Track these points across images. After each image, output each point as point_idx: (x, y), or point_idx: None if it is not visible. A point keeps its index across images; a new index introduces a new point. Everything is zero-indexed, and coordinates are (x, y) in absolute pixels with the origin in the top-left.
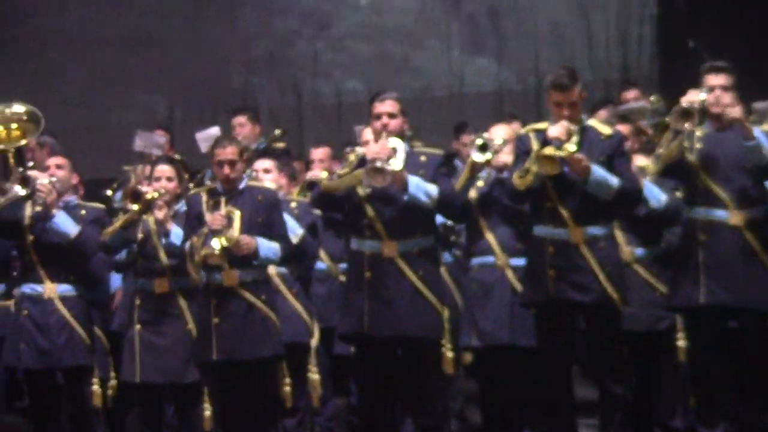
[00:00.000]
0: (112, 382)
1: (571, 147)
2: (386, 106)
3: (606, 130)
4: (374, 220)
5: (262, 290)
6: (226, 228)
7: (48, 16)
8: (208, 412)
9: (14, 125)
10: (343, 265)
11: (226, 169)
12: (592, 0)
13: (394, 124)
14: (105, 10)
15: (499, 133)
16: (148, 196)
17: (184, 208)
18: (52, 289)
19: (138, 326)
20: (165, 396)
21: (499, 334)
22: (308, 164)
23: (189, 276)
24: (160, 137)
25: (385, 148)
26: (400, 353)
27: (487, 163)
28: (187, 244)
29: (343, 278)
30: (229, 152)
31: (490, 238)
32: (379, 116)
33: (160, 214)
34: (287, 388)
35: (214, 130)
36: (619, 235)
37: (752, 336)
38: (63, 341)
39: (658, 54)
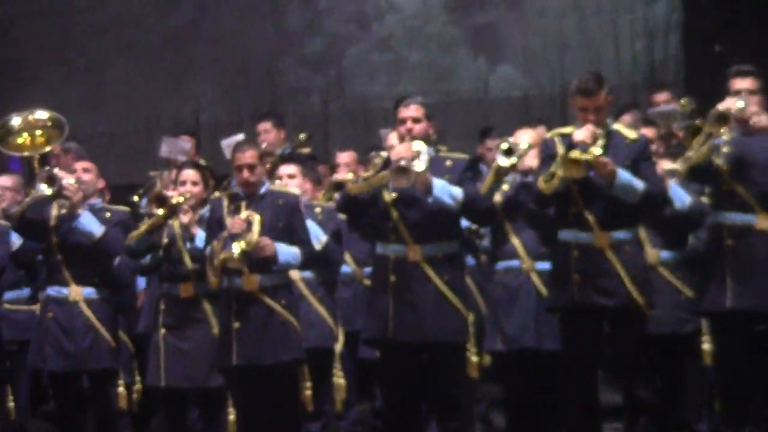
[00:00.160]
0: (137, 386)
1: (596, 150)
2: (411, 110)
3: (631, 134)
4: (399, 224)
5: (282, 295)
6: (246, 232)
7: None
8: (232, 417)
9: (38, 132)
10: (368, 269)
11: (245, 173)
12: (618, 4)
13: (418, 128)
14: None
15: (525, 137)
16: (174, 201)
17: None
18: (77, 292)
19: (163, 331)
20: (190, 400)
21: (524, 338)
22: (333, 168)
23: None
24: (186, 143)
25: (410, 150)
26: (425, 358)
27: (512, 167)
28: (208, 248)
29: (367, 282)
30: (248, 156)
31: (515, 242)
32: (403, 121)
33: (185, 218)
34: (308, 392)
35: (239, 137)
36: (645, 238)
37: None
38: (88, 344)
39: (685, 58)
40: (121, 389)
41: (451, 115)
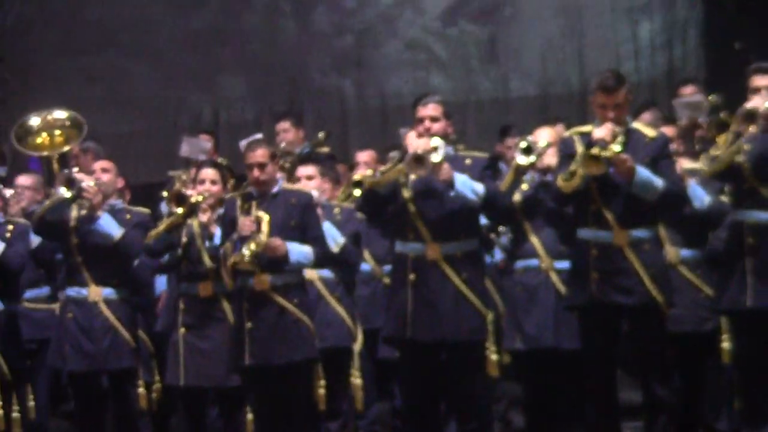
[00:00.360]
0: (157, 386)
1: (616, 147)
2: (429, 109)
3: (651, 132)
4: (418, 222)
5: (294, 294)
6: (255, 233)
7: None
8: (251, 416)
9: (57, 131)
10: (388, 267)
11: (256, 172)
12: (638, 2)
13: (437, 127)
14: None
15: (544, 135)
16: (193, 200)
17: None
18: (97, 293)
19: (182, 330)
20: (209, 399)
21: (544, 337)
22: (353, 167)
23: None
24: (206, 142)
25: (427, 143)
26: (444, 356)
27: (531, 165)
28: (222, 249)
29: (387, 280)
30: (258, 155)
31: (534, 241)
32: (422, 120)
33: (204, 217)
34: (321, 391)
35: (258, 137)
36: (664, 236)
37: None
38: (108, 344)
39: (705, 56)
40: (140, 389)
41: (470, 114)
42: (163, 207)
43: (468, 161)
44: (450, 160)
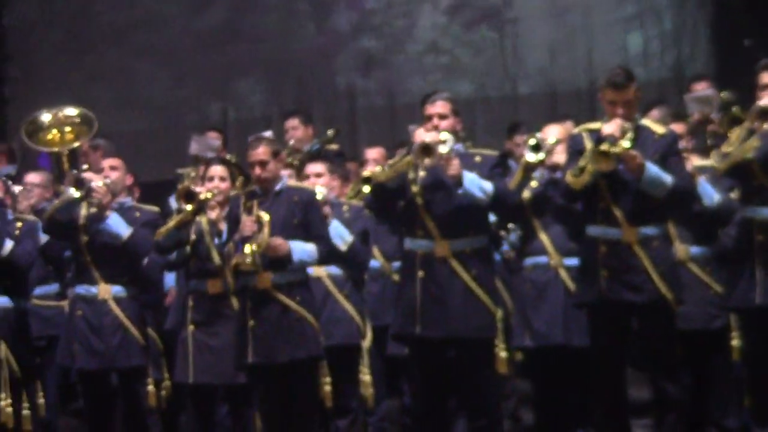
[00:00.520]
0: (166, 383)
1: (625, 143)
2: (437, 107)
3: (660, 129)
4: (427, 219)
5: (296, 292)
6: (257, 233)
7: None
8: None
9: (67, 128)
10: (397, 264)
11: (257, 170)
12: (647, 1)
13: (445, 125)
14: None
15: (552, 132)
16: (202, 197)
17: None
18: (106, 290)
19: (191, 327)
20: (218, 397)
21: (553, 334)
22: (362, 165)
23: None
24: (215, 140)
25: (435, 136)
26: (453, 353)
27: (540, 163)
28: (226, 248)
29: (396, 277)
30: (259, 153)
31: (543, 238)
32: (430, 117)
33: (213, 214)
34: (327, 388)
35: (267, 135)
36: (674, 234)
37: None
38: (117, 342)
39: (713, 53)
40: (150, 387)
41: (479, 111)
42: (172, 203)
43: (478, 159)
44: (459, 157)
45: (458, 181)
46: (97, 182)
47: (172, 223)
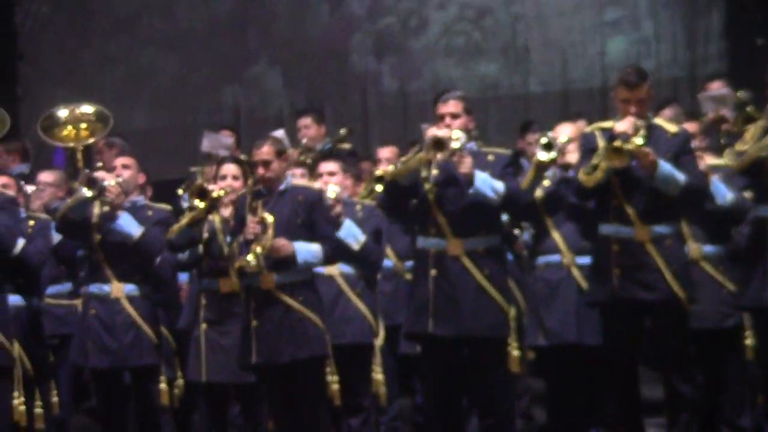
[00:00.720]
0: (179, 382)
1: (638, 140)
2: (449, 106)
3: (672, 128)
4: (439, 218)
5: (300, 292)
6: (261, 235)
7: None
8: None
9: (83, 125)
10: (410, 263)
11: (261, 170)
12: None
13: (457, 123)
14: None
15: (565, 131)
16: (214, 194)
17: None
18: (119, 289)
19: (204, 326)
20: (230, 396)
21: (566, 333)
22: (375, 164)
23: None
24: (227, 138)
25: (447, 132)
26: (466, 352)
27: (552, 161)
28: (230, 248)
29: (409, 276)
30: (263, 152)
31: (556, 236)
32: (442, 117)
33: (225, 212)
34: (335, 386)
35: (279, 133)
36: (687, 233)
37: None
38: (130, 340)
39: (726, 52)
40: (162, 385)
41: (491, 109)
42: (184, 200)
43: (490, 157)
44: (472, 156)
45: (470, 180)
46: (109, 181)
47: (184, 220)
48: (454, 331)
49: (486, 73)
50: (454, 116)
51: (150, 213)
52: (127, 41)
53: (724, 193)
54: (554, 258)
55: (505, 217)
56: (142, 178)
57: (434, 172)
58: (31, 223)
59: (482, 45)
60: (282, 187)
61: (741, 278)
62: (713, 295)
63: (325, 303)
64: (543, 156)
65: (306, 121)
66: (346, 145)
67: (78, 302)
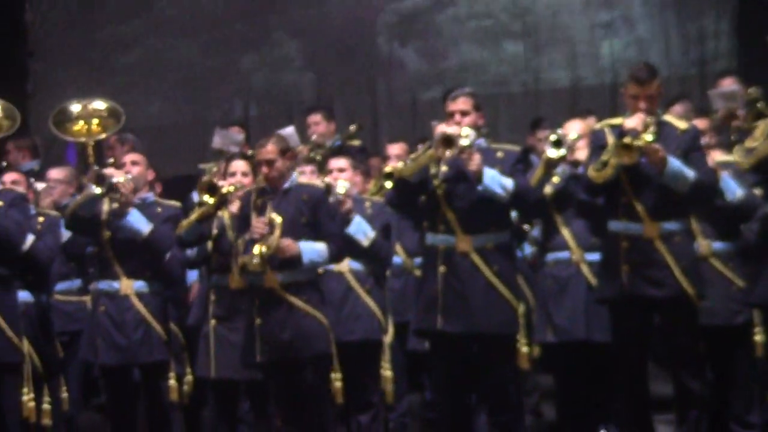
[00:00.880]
0: (188, 378)
1: (648, 137)
2: (458, 104)
3: (682, 124)
4: (448, 214)
5: (304, 291)
6: (267, 235)
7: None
8: None
9: (95, 120)
10: (419, 260)
11: (264, 169)
12: None
13: (467, 121)
14: None
15: (575, 128)
16: (224, 190)
17: None
18: (128, 286)
19: (213, 322)
20: (240, 392)
21: (575, 329)
22: (385, 160)
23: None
24: (238, 134)
25: (457, 129)
26: (475, 349)
27: (562, 158)
28: (234, 245)
29: (418, 273)
30: (266, 151)
31: (565, 233)
32: (452, 114)
33: (234, 208)
34: (338, 384)
35: (289, 130)
36: (697, 229)
37: None
38: (139, 337)
39: (736, 49)
40: (172, 382)
41: (501, 106)
42: (194, 196)
43: (500, 154)
44: (481, 152)
45: (479, 177)
46: (118, 178)
47: (194, 216)
48: (463, 328)
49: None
50: (464, 113)
51: (159, 210)
52: (138, 32)
53: (734, 190)
54: (563, 255)
55: (514, 214)
56: (151, 175)
57: (443, 168)
58: (41, 219)
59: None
60: (286, 185)
61: (750, 275)
62: (723, 291)
63: (335, 300)
64: (552, 153)
65: (316, 117)
66: (356, 142)
67: (87, 299)
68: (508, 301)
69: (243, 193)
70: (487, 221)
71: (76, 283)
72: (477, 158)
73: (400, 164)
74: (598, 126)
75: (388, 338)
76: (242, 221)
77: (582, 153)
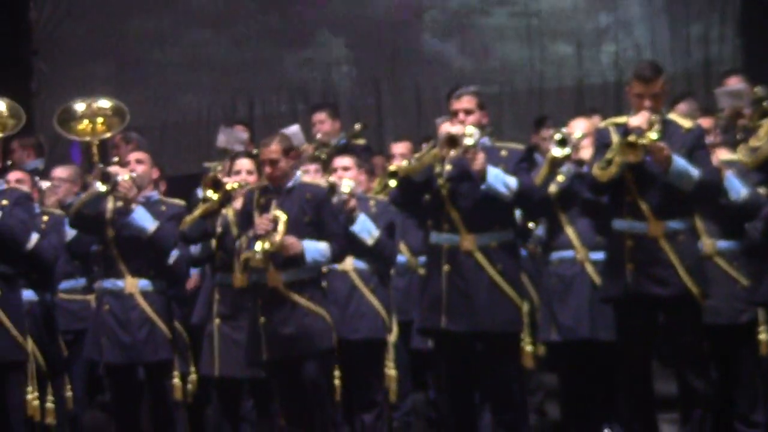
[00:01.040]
0: (192, 377)
1: (653, 135)
2: (462, 102)
3: (686, 123)
4: (452, 213)
5: (307, 289)
6: (271, 232)
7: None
8: None
9: (99, 119)
10: (423, 259)
11: (268, 168)
12: None
13: (471, 119)
14: None
15: (579, 126)
16: (228, 186)
17: None
18: (133, 284)
19: (217, 320)
20: (243, 390)
21: (579, 328)
22: (389, 159)
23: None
24: (242, 133)
25: (461, 129)
26: (479, 347)
27: (567, 157)
28: (237, 243)
29: (422, 271)
30: (270, 151)
31: (569, 232)
32: (456, 113)
33: (238, 204)
34: (337, 382)
35: (294, 129)
36: (701, 228)
37: None
38: (144, 336)
39: (741, 47)
40: (176, 380)
41: (505, 105)
42: (199, 193)
43: (504, 153)
44: (485, 151)
45: (482, 176)
46: (123, 176)
47: (198, 211)
48: (467, 327)
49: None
50: (468, 112)
51: (164, 208)
52: (144, 34)
53: (738, 189)
54: (568, 254)
55: (519, 212)
56: (155, 174)
57: (447, 167)
58: (45, 218)
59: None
60: (290, 184)
61: (755, 273)
62: (727, 290)
63: (339, 298)
64: (557, 152)
65: (321, 116)
66: (361, 141)
67: (91, 298)
68: (512, 299)
69: (246, 190)
70: (491, 220)
71: (81, 281)
72: (481, 157)
73: (404, 163)
74: (602, 124)
75: (392, 337)
76: (245, 219)
77: (586, 152)
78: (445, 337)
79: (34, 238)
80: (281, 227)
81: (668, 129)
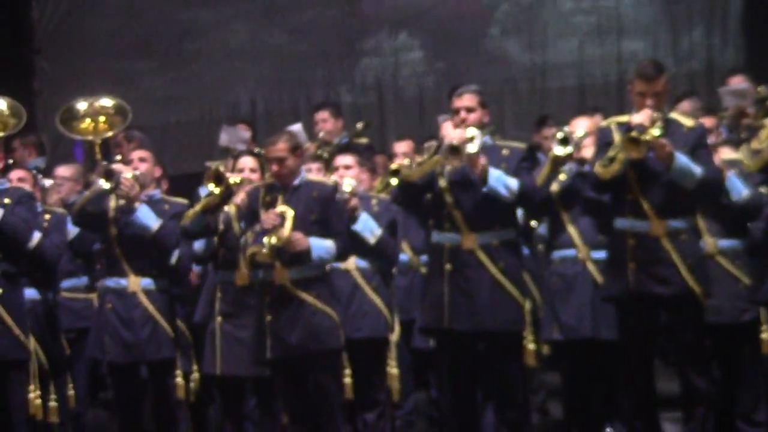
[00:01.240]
0: (195, 375)
1: (655, 132)
2: (464, 100)
3: (688, 122)
4: (454, 212)
5: (314, 287)
6: (278, 227)
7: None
8: None
9: (102, 118)
10: (425, 258)
11: (275, 166)
12: None
13: (472, 118)
14: None
15: (581, 125)
16: (231, 181)
17: None
18: (135, 283)
19: (219, 319)
20: (246, 389)
21: (581, 327)
22: (391, 158)
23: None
24: (245, 132)
25: (463, 134)
26: (481, 346)
27: (569, 156)
28: (242, 239)
29: (424, 270)
30: (277, 149)
31: (571, 231)
32: (457, 111)
33: (239, 199)
34: (348, 380)
35: (297, 127)
36: (703, 227)
37: None
38: (147, 335)
39: (744, 46)
40: (179, 379)
41: (507, 103)
42: (201, 192)
43: (505, 151)
44: (487, 149)
45: (484, 178)
46: (125, 174)
47: (199, 206)
48: (469, 326)
49: None
50: (470, 110)
51: (166, 207)
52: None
53: (740, 189)
54: (570, 252)
55: (521, 211)
56: (158, 172)
57: (449, 168)
58: (47, 217)
59: None
60: (296, 182)
61: (757, 272)
62: (729, 289)
63: (341, 297)
64: (559, 151)
65: (323, 114)
66: (364, 140)
67: (94, 296)
68: (515, 298)
69: (251, 188)
70: (493, 219)
71: (83, 280)
72: (482, 161)
73: (406, 162)
74: (604, 123)
75: (394, 336)
76: (249, 217)
77: (588, 151)
78: (447, 337)
79: (37, 236)
80: (288, 222)
81: (670, 127)
